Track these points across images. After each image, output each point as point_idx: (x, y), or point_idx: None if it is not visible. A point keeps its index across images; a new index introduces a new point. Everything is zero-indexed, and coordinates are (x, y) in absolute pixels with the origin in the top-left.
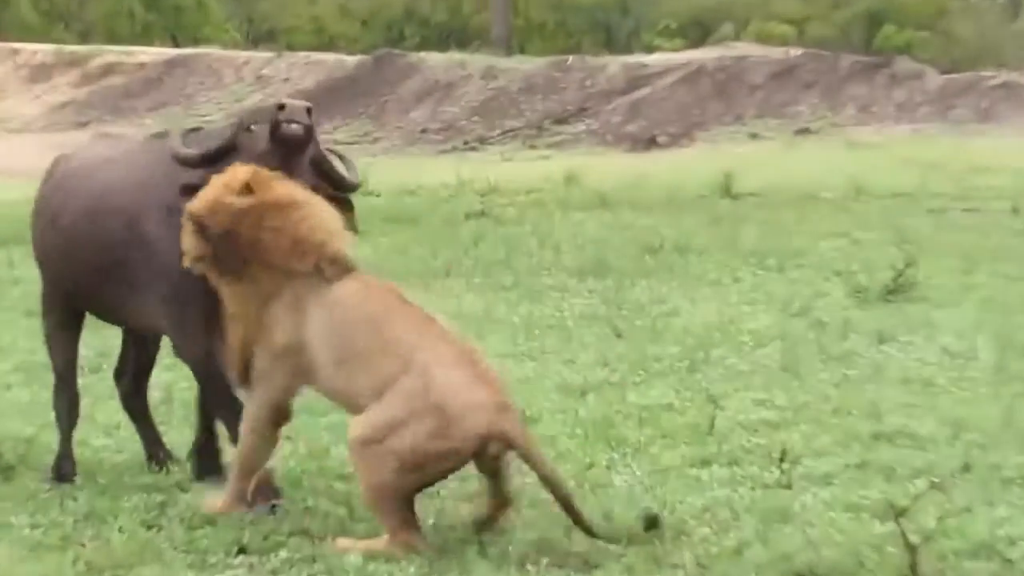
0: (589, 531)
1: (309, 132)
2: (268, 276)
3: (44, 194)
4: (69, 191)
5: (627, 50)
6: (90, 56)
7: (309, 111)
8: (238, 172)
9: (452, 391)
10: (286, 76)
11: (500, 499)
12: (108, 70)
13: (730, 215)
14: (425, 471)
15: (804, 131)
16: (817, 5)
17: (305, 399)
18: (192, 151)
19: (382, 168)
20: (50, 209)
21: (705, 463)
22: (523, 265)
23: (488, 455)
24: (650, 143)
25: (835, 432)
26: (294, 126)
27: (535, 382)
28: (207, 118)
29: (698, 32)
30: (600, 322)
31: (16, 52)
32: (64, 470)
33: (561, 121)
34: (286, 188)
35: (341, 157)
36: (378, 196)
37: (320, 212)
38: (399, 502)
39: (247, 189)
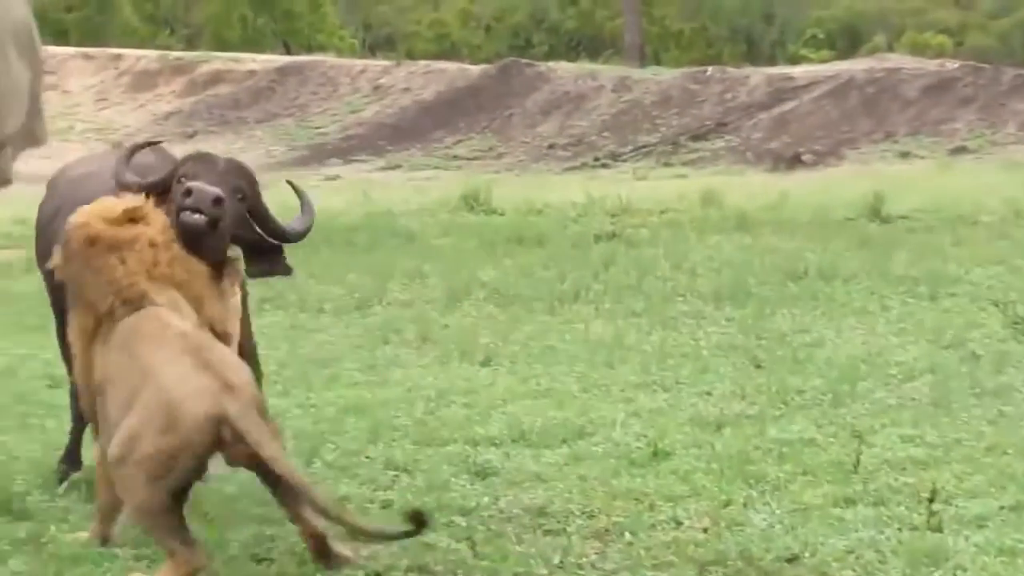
0: (359, 532)
1: (213, 225)
2: (87, 313)
3: (40, 206)
4: (60, 203)
5: (770, 61)
6: (197, 63)
7: (218, 201)
8: (123, 201)
9: (174, 383)
10: (405, 86)
11: (299, 521)
12: (215, 78)
13: (879, 239)
14: (171, 474)
15: (960, 150)
16: (976, 13)
17: (423, 431)
18: (131, 179)
19: (506, 185)
20: (42, 221)
21: (849, 502)
22: (656, 290)
23: (226, 444)
24: (794, 161)
25: (989, 472)
26: (196, 216)
27: (668, 414)
28: (320, 130)
29: (847, 42)
30: (738, 352)
31: (119, 58)
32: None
33: (698, 137)
34: (134, 229)
35: (300, 195)
36: (502, 215)
37: (142, 256)
38: (165, 518)
39: (124, 219)
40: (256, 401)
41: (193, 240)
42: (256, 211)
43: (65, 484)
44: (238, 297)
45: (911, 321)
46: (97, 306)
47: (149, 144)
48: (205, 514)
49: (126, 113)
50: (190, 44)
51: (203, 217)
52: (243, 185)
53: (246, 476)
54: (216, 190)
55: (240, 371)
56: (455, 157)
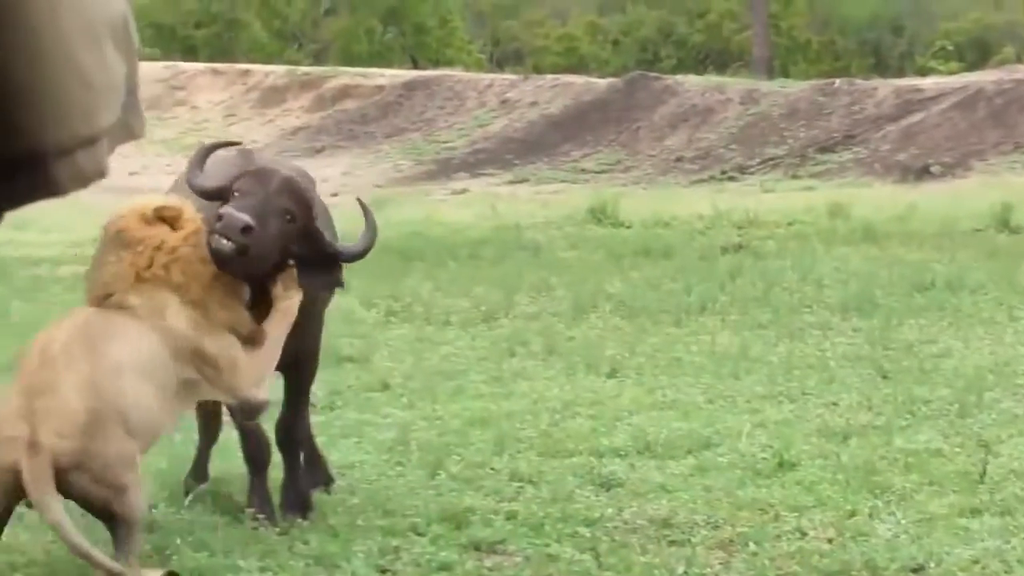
0: None
1: (240, 252)
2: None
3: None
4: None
5: (899, 73)
6: (324, 78)
7: (247, 229)
8: (155, 200)
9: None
10: (532, 100)
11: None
12: (343, 93)
13: (1008, 250)
14: None
15: None
16: None
17: (548, 443)
18: (194, 182)
19: (633, 198)
20: None
21: (975, 512)
22: (782, 301)
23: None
24: (922, 173)
25: None
26: (223, 242)
27: (794, 425)
28: (448, 144)
29: (976, 54)
30: (864, 363)
31: (247, 74)
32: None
33: (826, 149)
34: (152, 230)
35: (365, 214)
36: (629, 228)
37: (138, 257)
38: None
39: (154, 218)
40: (54, 461)
41: (220, 264)
42: (307, 231)
43: (191, 497)
44: (292, 302)
45: None
46: (88, 295)
47: (225, 145)
48: (330, 526)
49: (254, 128)
50: (318, 59)
51: (230, 244)
52: (292, 207)
53: (370, 487)
54: (245, 219)
55: (61, 423)
56: (582, 170)
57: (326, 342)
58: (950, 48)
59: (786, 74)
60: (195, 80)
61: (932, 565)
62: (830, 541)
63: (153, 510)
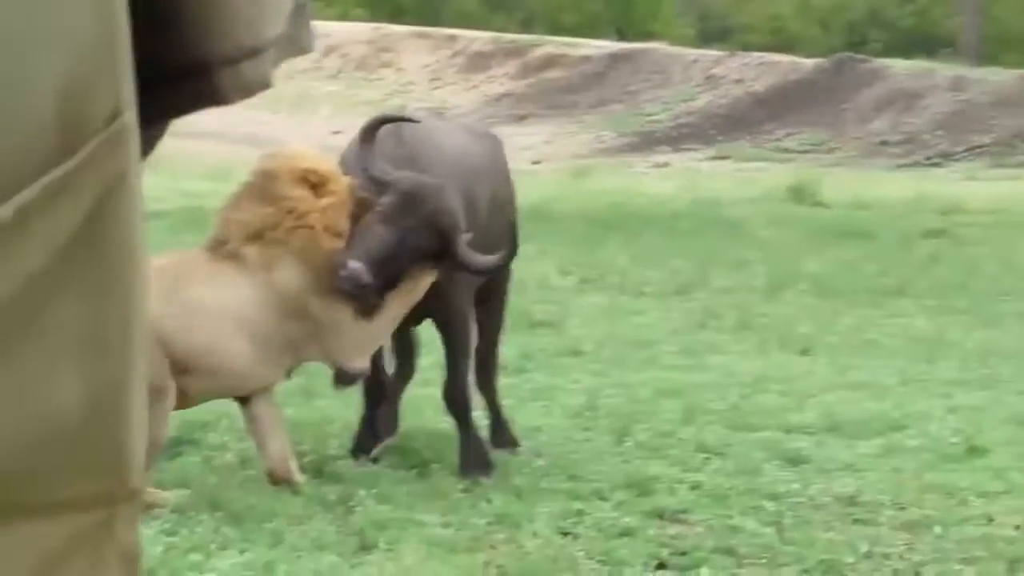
0: None
1: (364, 290)
2: None
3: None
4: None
5: None
6: (530, 46)
7: (364, 287)
8: (308, 159)
9: None
10: (737, 77)
11: None
12: (549, 62)
13: None
14: None
15: None
16: None
17: (736, 416)
18: (378, 170)
19: (837, 180)
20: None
21: None
22: (982, 289)
23: None
24: None
25: None
26: (347, 286)
27: (986, 411)
28: (651, 117)
29: None
30: None
31: (454, 39)
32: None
33: None
34: (297, 191)
35: (512, 232)
36: (829, 208)
37: (268, 215)
38: None
39: (302, 177)
40: None
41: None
42: (449, 246)
43: (378, 449)
44: (418, 284)
45: None
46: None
47: (394, 119)
48: (514, 486)
49: (459, 94)
50: (525, 27)
51: (354, 288)
52: (427, 243)
53: (556, 451)
54: (366, 279)
55: None
56: (785, 150)
57: (521, 306)
58: None
59: (995, 63)
60: (402, 43)
61: None
62: (1017, 528)
63: (339, 461)
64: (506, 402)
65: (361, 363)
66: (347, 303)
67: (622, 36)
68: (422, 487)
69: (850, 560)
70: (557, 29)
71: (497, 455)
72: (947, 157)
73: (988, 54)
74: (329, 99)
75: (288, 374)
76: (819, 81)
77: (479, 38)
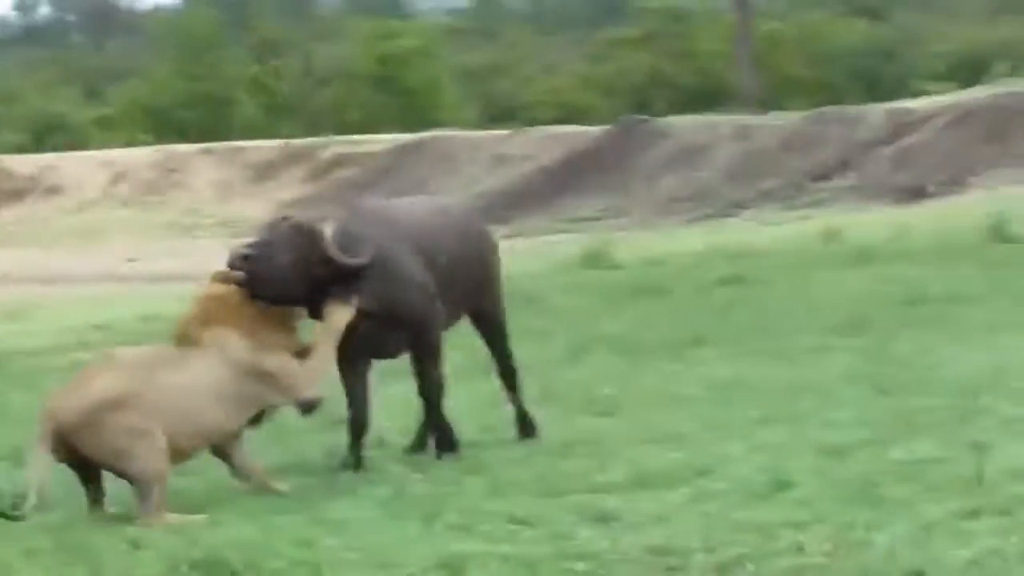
0: None
1: (252, 277)
2: None
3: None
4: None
5: (893, 98)
6: (318, 148)
7: (245, 258)
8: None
9: None
10: (525, 153)
11: None
12: (338, 162)
13: (1004, 260)
14: None
15: None
16: None
17: (544, 484)
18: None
19: (630, 242)
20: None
21: (973, 515)
22: (778, 328)
23: None
24: (918, 193)
25: None
26: (237, 273)
27: (791, 446)
28: None
29: (969, 73)
30: (861, 380)
31: (241, 151)
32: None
33: (821, 177)
34: (215, 288)
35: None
36: (622, 269)
37: (203, 306)
38: None
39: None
40: (59, 426)
41: (246, 289)
42: (323, 258)
43: None
44: (336, 317)
45: None
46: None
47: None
48: None
49: (252, 204)
50: (311, 131)
51: (240, 273)
52: (297, 239)
53: (366, 542)
54: (244, 250)
55: (77, 397)
56: (578, 219)
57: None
58: (943, 69)
59: (779, 109)
60: (189, 161)
61: (931, 569)
62: (828, 555)
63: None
64: (314, 498)
65: (316, 393)
66: (256, 296)
67: (409, 129)
68: None
69: None
70: (343, 128)
71: None
72: (738, 206)
73: (772, 102)
74: (121, 227)
75: (256, 421)
76: (606, 147)
77: (266, 147)
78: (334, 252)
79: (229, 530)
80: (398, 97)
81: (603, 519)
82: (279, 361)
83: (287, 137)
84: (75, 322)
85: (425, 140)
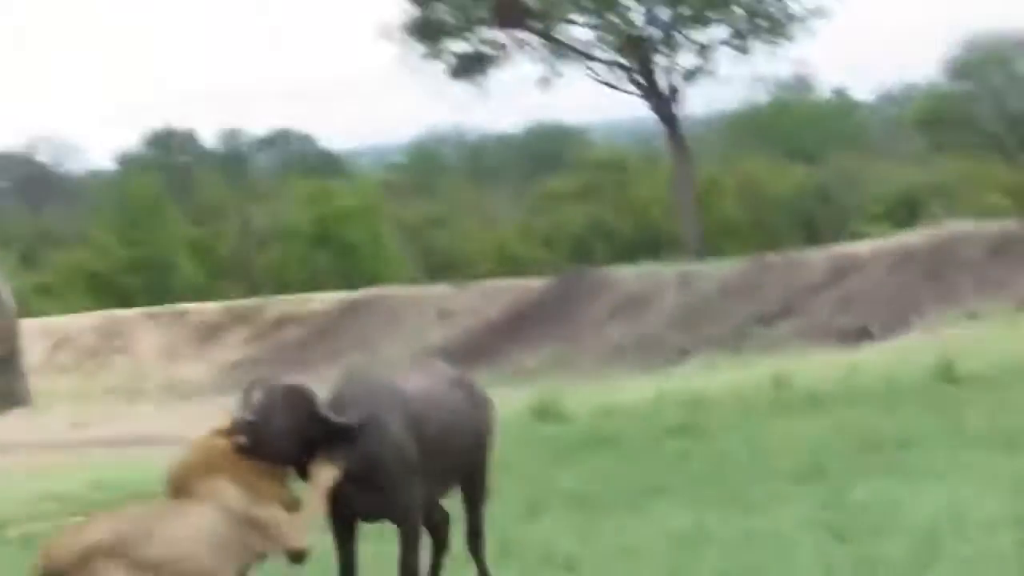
0: None
1: (253, 443)
2: None
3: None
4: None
5: (832, 241)
6: (261, 309)
7: (249, 424)
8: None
9: None
10: (470, 307)
11: None
12: (281, 321)
13: (953, 401)
14: None
15: None
16: None
17: None
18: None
19: (578, 393)
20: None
21: None
22: (733, 476)
23: None
24: (862, 335)
25: None
26: (239, 438)
27: None
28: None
29: (906, 214)
30: (820, 527)
31: (184, 314)
32: None
33: (766, 323)
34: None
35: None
36: (575, 421)
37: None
38: None
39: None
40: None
41: (244, 454)
42: (313, 418)
43: None
44: (323, 475)
45: (989, 476)
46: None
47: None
48: None
49: (195, 367)
50: (253, 291)
51: (243, 438)
52: (293, 402)
53: None
54: (247, 417)
55: (67, 545)
56: (525, 371)
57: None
58: (880, 212)
59: (720, 255)
60: (132, 325)
61: None
62: None
63: None
64: None
65: (304, 544)
66: (254, 457)
67: (350, 286)
68: None
69: None
70: (285, 288)
71: None
72: (684, 353)
73: (712, 249)
74: (64, 394)
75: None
76: (550, 299)
77: (208, 309)
78: (328, 414)
79: None
80: (338, 255)
81: None
82: (272, 513)
83: (230, 299)
84: (25, 493)
85: (368, 297)
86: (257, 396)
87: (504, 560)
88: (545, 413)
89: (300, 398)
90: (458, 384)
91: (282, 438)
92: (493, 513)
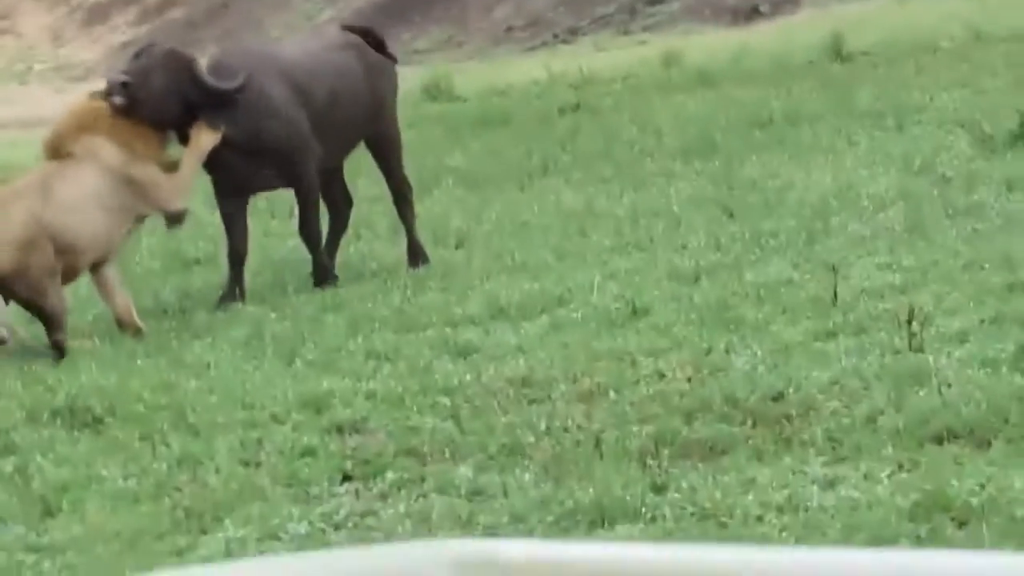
0: None
1: (131, 103)
2: None
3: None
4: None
5: None
6: None
7: (125, 85)
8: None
9: None
10: None
11: None
12: (168, 2)
13: (842, 78)
14: None
15: None
16: None
17: (401, 319)
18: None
19: (468, 73)
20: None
21: (830, 335)
22: (623, 154)
23: None
24: (752, 13)
25: (967, 288)
26: (116, 99)
27: (644, 272)
28: (279, 41)
29: None
30: (710, 203)
31: None
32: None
33: (655, 1)
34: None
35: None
36: (465, 101)
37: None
38: None
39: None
40: None
41: (120, 114)
42: (195, 81)
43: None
44: (203, 138)
45: (879, 153)
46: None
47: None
48: (190, 425)
49: (83, 49)
50: None
51: (119, 98)
52: (171, 64)
53: (227, 383)
54: (122, 77)
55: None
56: (415, 51)
57: (173, 247)
58: None
59: None
60: (18, 7)
61: (791, 391)
62: (688, 380)
63: (12, 432)
64: (171, 341)
65: (181, 205)
66: (132, 118)
67: None
68: (99, 443)
69: (531, 439)
70: None
71: None
72: (574, 32)
73: None
74: None
75: (127, 235)
76: None
77: None
78: (205, 77)
79: (88, 376)
80: None
81: (463, 352)
82: (149, 171)
83: None
84: None
85: None
86: (134, 58)
87: (395, 236)
88: (437, 92)
89: (179, 61)
90: (348, 47)
91: (159, 99)
92: (384, 191)
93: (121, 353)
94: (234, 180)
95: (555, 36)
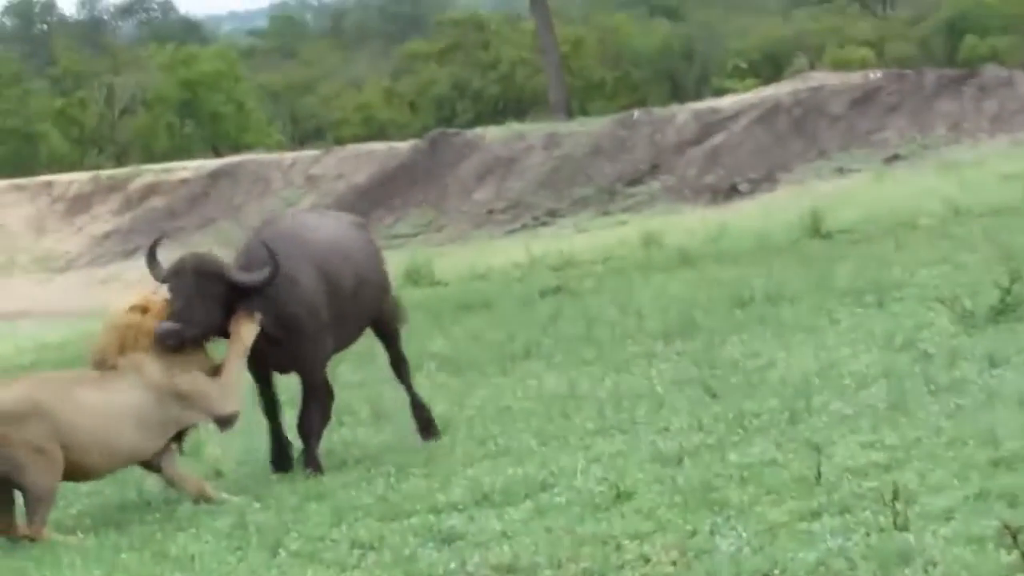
0: None
1: (184, 342)
2: None
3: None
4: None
5: (697, 97)
6: (129, 178)
7: (175, 334)
8: (130, 298)
9: None
10: (337, 172)
11: None
12: (149, 191)
13: (822, 255)
14: None
15: (894, 158)
16: (894, 23)
17: (385, 507)
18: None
19: (449, 256)
20: None
21: (815, 515)
22: (605, 336)
23: None
24: (731, 192)
25: (951, 465)
26: (171, 343)
27: (628, 455)
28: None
29: (771, 68)
30: (692, 384)
31: (50, 186)
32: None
33: (634, 182)
34: (131, 316)
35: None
36: (446, 285)
37: (122, 334)
38: None
39: (135, 309)
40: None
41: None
42: (231, 287)
43: None
44: (243, 333)
45: (861, 330)
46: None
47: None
48: None
49: (65, 239)
50: (120, 161)
51: (174, 343)
52: (206, 285)
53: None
54: (171, 329)
55: None
56: (395, 236)
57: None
58: (744, 66)
59: (585, 113)
60: (1, 197)
61: (777, 573)
62: (674, 563)
63: None
64: (157, 535)
65: (233, 409)
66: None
67: (217, 153)
68: None
69: None
70: (152, 157)
71: None
72: (553, 215)
73: (577, 107)
74: None
75: (178, 438)
76: (417, 162)
77: (76, 180)
78: (237, 277)
79: (72, 572)
80: (204, 122)
81: (447, 539)
82: (197, 381)
83: (96, 168)
84: None
85: (236, 164)
86: (167, 282)
87: (378, 422)
88: (418, 277)
89: (211, 269)
90: (362, 227)
91: (205, 323)
92: (365, 376)
93: (105, 547)
94: (258, 363)
95: (535, 218)
